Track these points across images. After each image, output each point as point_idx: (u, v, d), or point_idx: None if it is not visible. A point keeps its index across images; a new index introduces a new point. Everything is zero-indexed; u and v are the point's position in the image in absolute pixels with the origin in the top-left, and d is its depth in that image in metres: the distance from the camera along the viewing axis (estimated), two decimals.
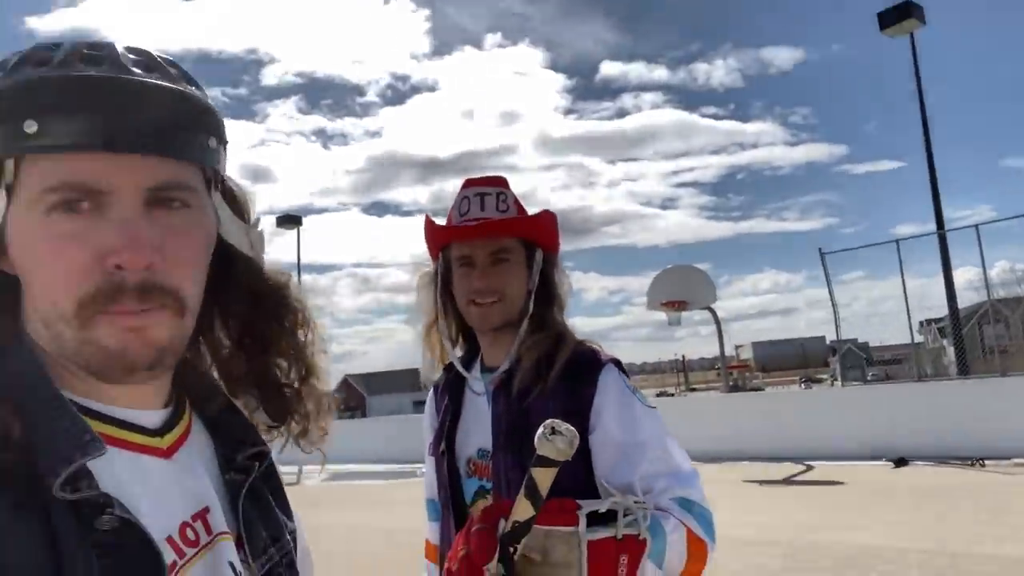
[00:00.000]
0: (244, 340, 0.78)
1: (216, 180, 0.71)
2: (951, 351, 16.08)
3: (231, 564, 0.69)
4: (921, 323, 13.03)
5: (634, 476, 1.29)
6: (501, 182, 1.52)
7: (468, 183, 1.52)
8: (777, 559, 5.61)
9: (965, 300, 14.05)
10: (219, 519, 0.70)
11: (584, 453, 1.32)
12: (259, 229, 0.78)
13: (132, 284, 0.60)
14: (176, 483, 0.68)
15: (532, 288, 1.47)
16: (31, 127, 0.59)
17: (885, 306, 13.37)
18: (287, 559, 0.76)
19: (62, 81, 0.60)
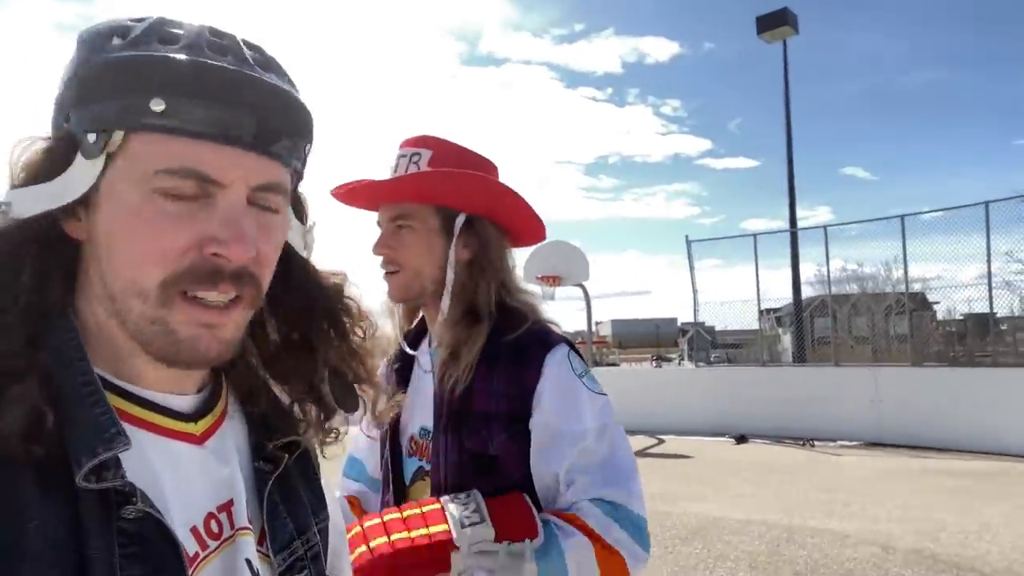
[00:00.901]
0: (292, 337, 0.77)
1: (297, 184, 0.72)
2: (786, 339, 17.48)
3: (248, 561, 0.67)
4: (761, 312, 14.04)
5: (560, 467, 1.22)
6: (422, 141, 1.37)
7: (400, 144, 1.40)
8: None
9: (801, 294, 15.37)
10: (242, 513, 0.68)
11: (525, 439, 1.26)
12: (314, 234, 0.78)
13: (229, 272, 0.61)
14: (206, 471, 0.66)
15: (450, 257, 1.32)
16: (158, 105, 0.58)
17: (732, 294, 14.17)
18: (312, 552, 0.75)
19: (197, 67, 0.60)
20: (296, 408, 0.76)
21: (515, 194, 1.36)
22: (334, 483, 1.33)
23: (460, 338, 1.29)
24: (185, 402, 0.68)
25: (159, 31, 0.61)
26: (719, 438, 11.47)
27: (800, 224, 16.86)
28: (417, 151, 1.35)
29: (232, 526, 0.67)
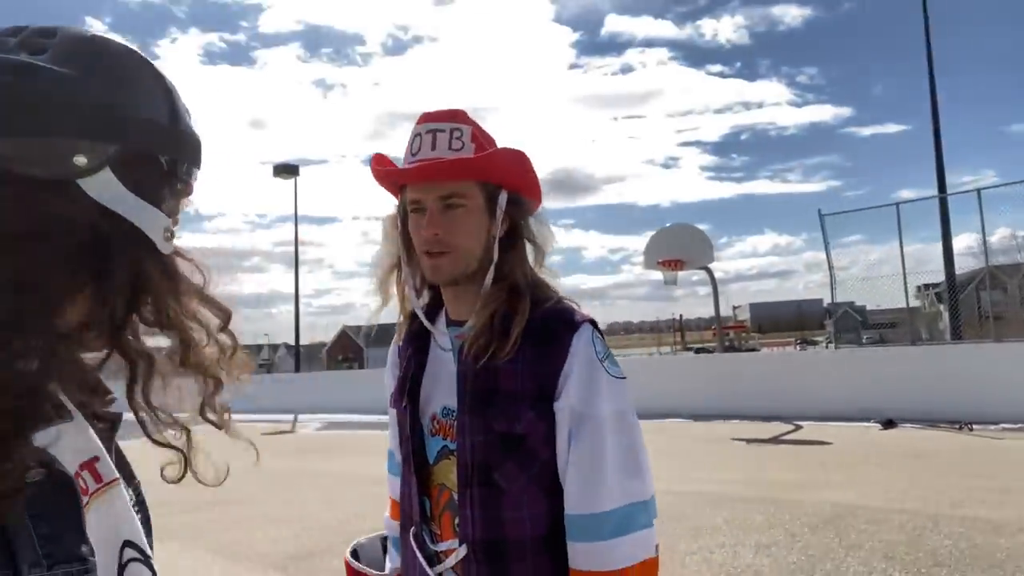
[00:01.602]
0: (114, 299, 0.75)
1: None
2: (947, 316, 16.11)
3: (129, 501, 0.72)
4: (918, 288, 12.98)
5: (581, 455, 1.22)
6: (458, 116, 1.35)
7: (422, 117, 1.35)
8: (759, 514, 5.68)
9: (964, 266, 14.01)
10: (107, 467, 0.71)
11: (552, 418, 1.25)
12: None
13: None
14: (66, 433, 0.67)
15: (495, 235, 1.32)
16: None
17: (882, 270, 13.15)
18: (140, 496, 0.80)
19: None
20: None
21: (534, 167, 1.38)
22: None
23: (504, 312, 1.29)
24: None
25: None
26: (863, 423, 10.77)
27: (958, 189, 15.43)
28: (457, 126, 1.32)
29: (99, 480, 0.69)
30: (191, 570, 5.17)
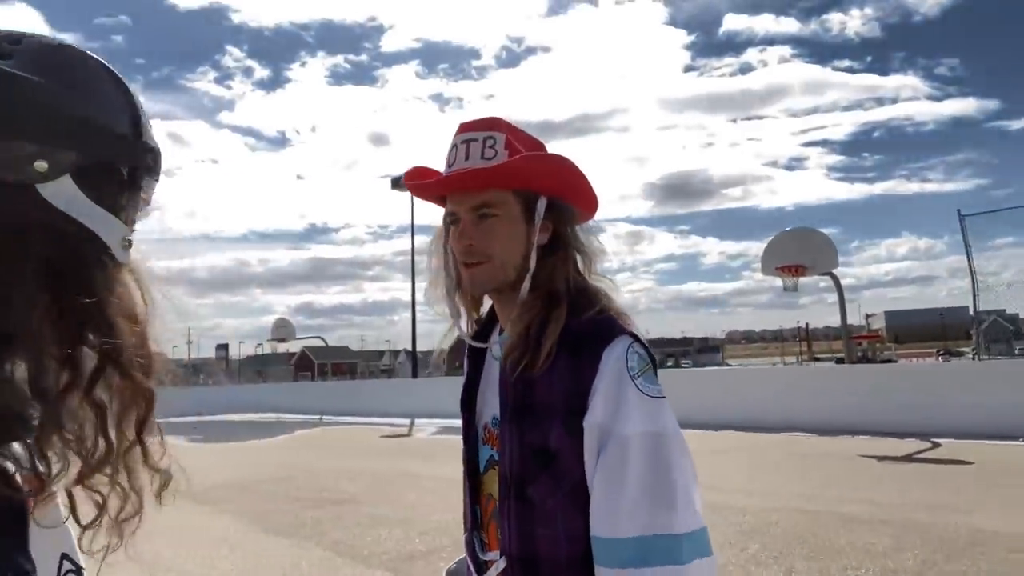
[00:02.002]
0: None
1: None
2: None
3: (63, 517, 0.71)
4: None
5: (605, 479, 1.15)
6: (494, 123, 1.32)
7: (459, 128, 1.34)
8: (886, 538, 5.29)
9: None
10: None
11: (581, 439, 1.19)
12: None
13: None
14: None
15: (534, 242, 1.29)
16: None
17: None
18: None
19: None
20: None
21: (582, 173, 1.33)
22: None
23: (539, 322, 1.25)
24: None
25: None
26: (1009, 442, 9.82)
27: None
28: (491, 134, 1.31)
29: (39, 492, 0.68)
30: (304, 567, 5.42)
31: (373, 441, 14.70)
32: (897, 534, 5.39)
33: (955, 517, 5.80)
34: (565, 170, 1.31)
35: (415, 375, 29.15)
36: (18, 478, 0.62)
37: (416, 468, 10.12)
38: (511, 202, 1.29)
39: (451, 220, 1.33)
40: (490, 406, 1.36)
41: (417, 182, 1.36)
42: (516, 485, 1.23)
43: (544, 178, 1.30)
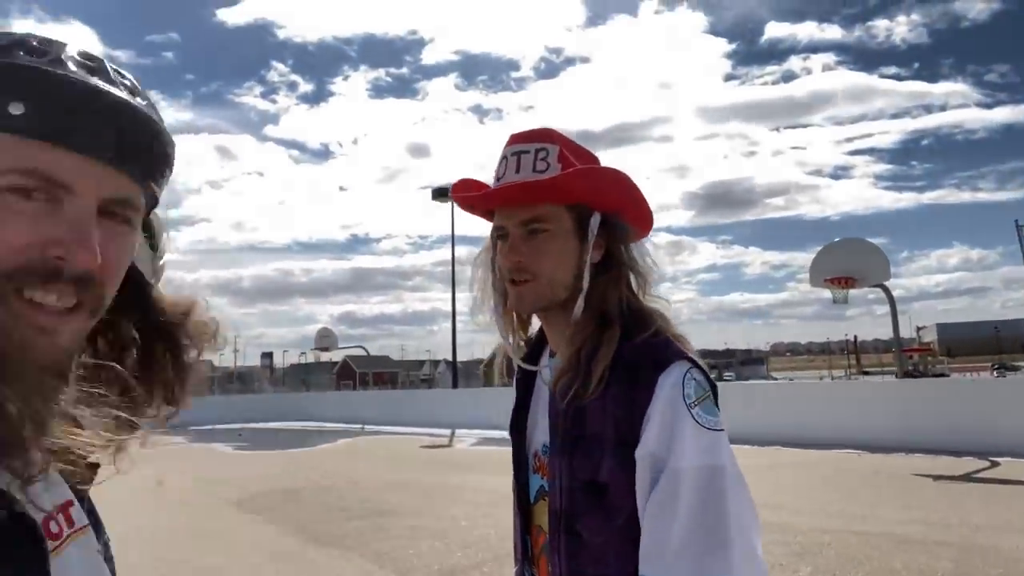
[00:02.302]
0: (107, 349, 0.77)
1: (151, 206, 0.75)
2: None
3: (99, 551, 0.71)
4: None
5: (654, 515, 1.07)
6: (545, 135, 1.26)
7: (510, 139, 1.28)
8: (944, 561, 5.08)
9: None
10: (80, 513, 0.70)
11: (632, 471, 1.11)
12: (162, 263, 0.80)
13: (70, 275, 0.62)
14: (42, 475, 0.66)
15: (587, 260, 1.22)
16: (16, 109, 0.61)
17: None
18: (109, 553, 0.77)
19: (62, 79, 0.63)
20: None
21: (638, 188, 1.26)
22: None
23: (591, 346, 1.18)
24: None
25: (26, 43, 0.64)
26: None
27: None
28: (543, 146, 1.24)
29: (71, 524, 0.68)
30: None
31: (414, 451, 14.74)
32: (957, 557, 5.17)
33: (1018, 540, 5.54)
34: (621, 185, 1.24)
35: (455, 385, 29.23)
36: (39, 503, 0.62)
37: (457, 480, 10.09)
38: (563, 217, 1.23)
39: (499, 235, 1.27)
40: (540, 432, 1.29)
41: (465, 195, 1.30)
42: (566, 519, 1.16)
43: (599, 193, 1.23)
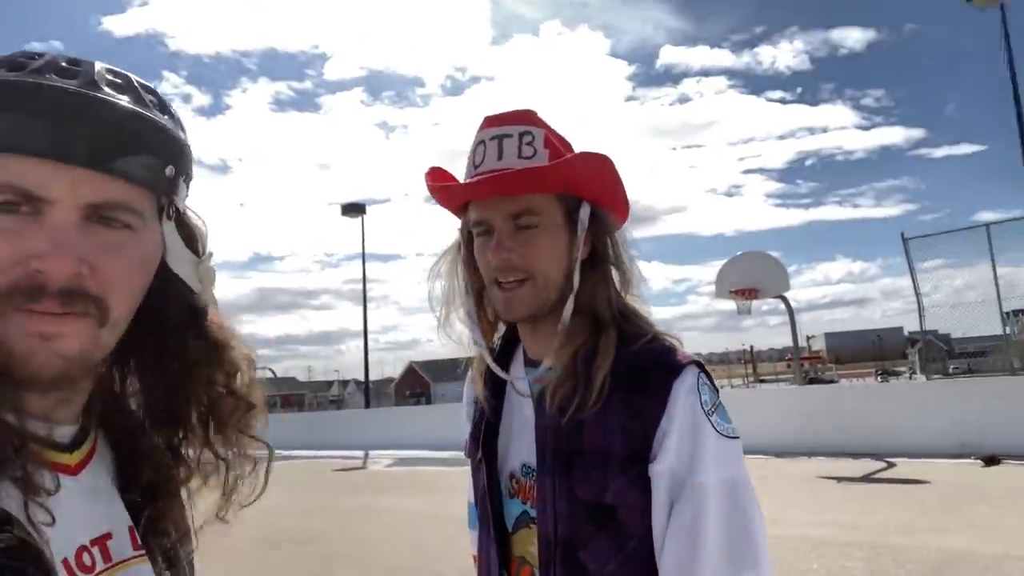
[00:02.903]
0: (164, 373, 0.74)
1: (170, 209, 0.71)
2: None
3: None
4: (1007, 314, 12.15)
5: (677, 536, 0.99)
6: (528, 117, 1.13)
7: (486, 122, 1.13)
8: (859, 562, 5.28)
9: None
10: (122, 546, 0.67)
11: (646, 490, 1.02)
12: (209, 264, 0.77)
13: (54, 287, 0.59)
14: (80, 503, 0.64)
15: (576, 257, 1.10)
16: None
17: (968, 296, 12.41)
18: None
19: (27, 87, 0.60)
20: (168, 449, 0.76)
21: (619, 173, 1.16)
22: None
23: (585, 354, 1.08)
24: (61, 431, 0.66)
25: (11, 61, 0.62)
26: (962, 460, 10.06)
27: None
28: (527, 130, 1.11)
29: (107, 559, 0.65)
30: None
31: (327, 475, 14.24)
32: (869, 557, 5.39)
33: (924, 538, 5.84)
34: (609, 170, 1.12)
35: (368, 405, 28.56)
36: (55, 536, 0.58)
37: (373, 502, 9.80)
38: (554, 209, 1.10)
39: (481, 231, 1.12)
40: (517, 452, 1.16)
41: (443, 184, 1.16)
42: (564, 549, 1.04)
43: (590, 182, 1.12)
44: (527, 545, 1.12)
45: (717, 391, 1.08)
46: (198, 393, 0.75)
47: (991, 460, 9.73)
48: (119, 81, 0.65)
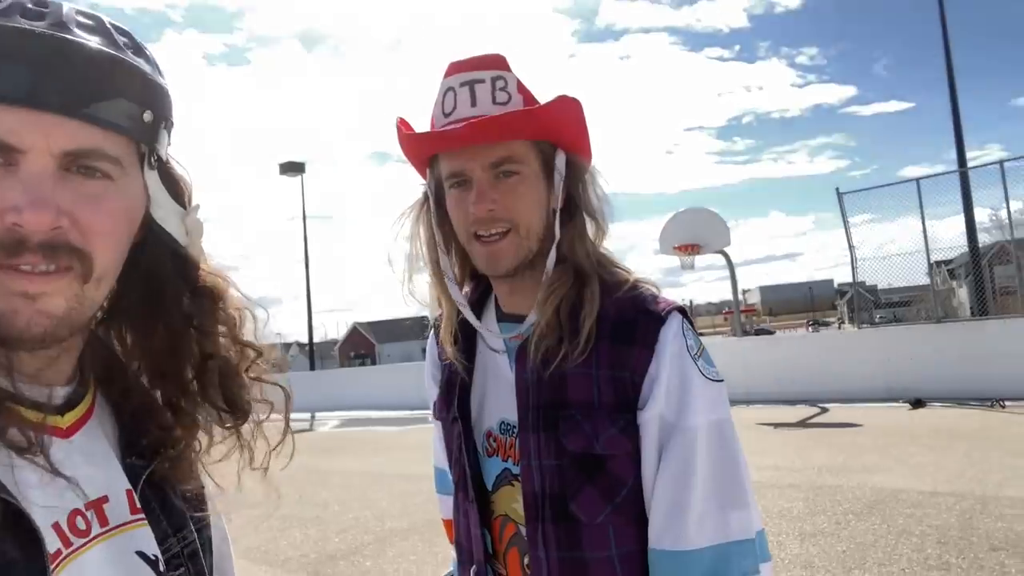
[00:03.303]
0: (158, 329, 0.72)
1: (151, 157, 0.67)
2: (961, 293, 15.90)
3: (141, 553, 0.64)
4: (931, 265, 12.72)
5: (670, 480, 0.99)
6: (498, 61, 1.08)
7: (452, 68, 1.09)
8: (799, 503, 5.53)
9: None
10: (119, 510, 0.65)
11: (635, 437, 1.02)
12: (197, 217, 0.74)
13: (36, 242, 0.56)
14: (72, 467, 0.61)
15: (556, 206, 1.08)
16: None
17: (892, 248, 12.94)
18: (189, 549, 0.72)
19: None
20: (169, 409, 0.74)
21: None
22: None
23: (569, 304, 1.06)
24: (52, 393, 0.64)
25: None
26: (891, 404, 10.58)
27: (969, 164, 15.14)
28: (500, 74, 1.07)
29: (104, 523, 0.63)
30: None
31: (274, 439, 14.08)
32: (808, 497, 5.64)
33: (857, 477, 6.14)
34: (582, 116, 1.10)
35: (312, 367, 28.22)
36: (39, 498, 0.57)
37: (322, 464, 9.73)
38: (532, 157, 1.07)
39: (455, 182, 1.08)
40: (493, 409, 1.14)
41: (418, 133, 1.10)
42: (554, 503, 1.03)
43: (567, 127, 1.09)
44: (510, 503, 1.10)
45: (699, 338, 1.08)
46: (199, 347, 0.72)
47: (917, 403, 10.27)
48: (90, 23, 0.61)
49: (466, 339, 1.18)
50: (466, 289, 1.23)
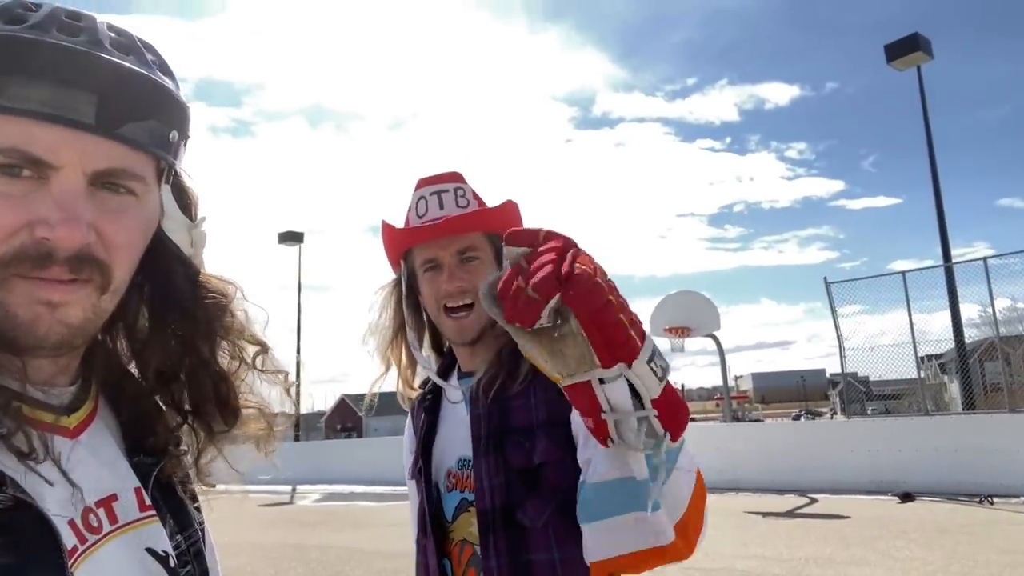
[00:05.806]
0: (164, 334, 0.74)
1: (168, 172, 0.70)
2: (952, 388, 15.93)
3: (151, 549, 0.66)
4: (921, 359, 12.81)
5: (586, 453, 1.10)
6: (455, 177, 1.42)
7: (421, 182, 1.41)
8: None
9: (966, 337, 13.93)
10: (128, 508, 0.67)
11: (568, 444, 1.17)
12: (202, 229, 0.76)
13: (62, 255, 0.58)
14: (81, 466, 0.63)
15: None
16: None
17: (883, 340, 13.06)
18: (194, 548, 0.74)
19: (30, 44, 0.57)
20: (171, 413, 0.76)
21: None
22: None
23: (510, 347, 1.21)
24: (58, 394, 0.66)
25: (9, 12, 0.60)
26: (880, 496, 10.47)
27: (955, 261, 15.47)
28: (459, 185, 1.40)
29: (113, 520, 0.65)
30: None
31: (252, 511, 13.74)
32: None
33: (847, 570, 6.05)
34: (519, 215, 1.40)
35: (297, 439, 27.77)
36: (59, 498, 0.58)
37: (302, 539, 9.51)
38: (486, 246, 1.36)
39: (428, 267, 1.34)
40: (453, 449, 1.35)
41: (407, 228, 1.39)
42: (503, 514, 1.19)
43: (512, 221, 1.37)
44: (467, 527, 1.26)
45: None
46: (202, 350, 0.74)
47: (906, 497, 10.17)
48: (122, 40, 0.63)
49: (431, 403, 1.42)
50: (431, 361, 1.47)
